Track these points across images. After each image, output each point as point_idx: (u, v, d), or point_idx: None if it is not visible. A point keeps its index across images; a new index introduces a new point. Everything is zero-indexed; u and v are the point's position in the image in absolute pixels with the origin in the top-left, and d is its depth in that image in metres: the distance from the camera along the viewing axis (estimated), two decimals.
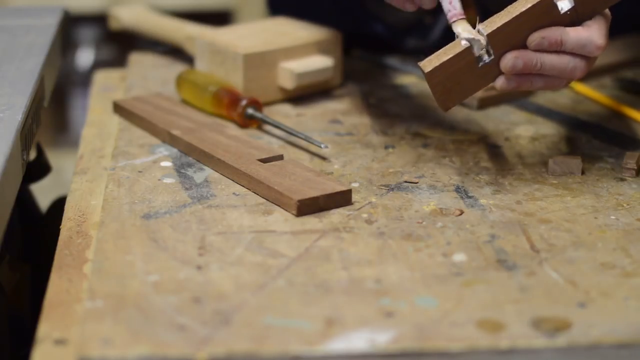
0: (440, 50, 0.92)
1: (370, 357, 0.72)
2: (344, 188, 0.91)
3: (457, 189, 0.95)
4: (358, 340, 0.73)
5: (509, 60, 0.92)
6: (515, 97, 1.16)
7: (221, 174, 0.97)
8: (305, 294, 0.78)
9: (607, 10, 0.94)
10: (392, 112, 1.13)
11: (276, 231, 0.87)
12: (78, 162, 1.02)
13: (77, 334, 0.74)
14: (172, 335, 0.73)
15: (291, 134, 1.03)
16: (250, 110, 1.07)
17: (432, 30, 1.27)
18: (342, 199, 0.91)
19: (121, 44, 2.38)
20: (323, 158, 1.01)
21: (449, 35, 1.26)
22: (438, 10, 1.25)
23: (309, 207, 0.89)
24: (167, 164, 0.99)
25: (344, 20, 1.26)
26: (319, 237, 0.86)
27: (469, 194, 0.94)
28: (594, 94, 1.16)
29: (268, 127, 1.08)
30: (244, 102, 1.07)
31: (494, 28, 0.91)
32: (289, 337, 0.73)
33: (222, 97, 1.09)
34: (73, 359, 0.72)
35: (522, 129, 1.09)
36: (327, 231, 0.87)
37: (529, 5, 0.90)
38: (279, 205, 0.91)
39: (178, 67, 1.24)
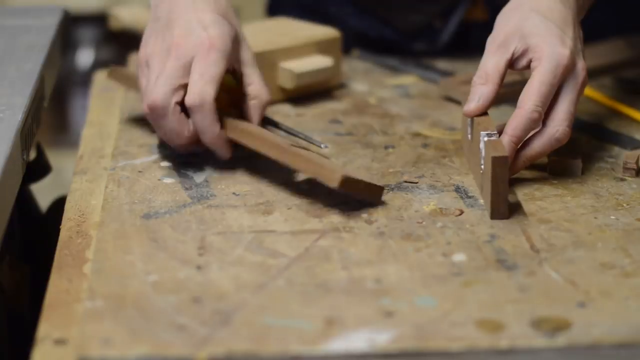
0: None
1: (370, 357, 0.72)
2: (381, 185, 0.92)
3: (457, 189, 0.95)
4: (358, 340, 0.73)
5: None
6: (515, 97, 1.16)
7: (253, 148, 0.95)
8: (305, 294, 0.78)
9: None
10: (392, 112, 1.13)
11: (276, 231, 0.87)
12: (78, 162, 1.02)
13: (77, 334, 0.74)
14: (172, 335, 0.73)
15: (291, 134, 1.03)
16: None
17: (441, 34, 1.26)
18: (377, 194, 0.91)
19: (121, 44, 2.38)
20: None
21: (458, 40, 1.26)
22: (448, 14, 1.25)
23: (349, 185, 0.88)
24: (167, 164, 0.99)
25: (353, 24, 1.27)
26: (319, 237, 0.86)
27: (469, 194, 0.94)
28: (594, 94, 1.16)
29: (268, 127, 1.08)
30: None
31: None
32: (289, 337, 0.73)
33: (221, 96, 1.09)
34: (73, 359, 0.72)
35: None
36: (327, 231, 0.87)
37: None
38: (317, 179, 0.90)
39: None
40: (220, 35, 0.97)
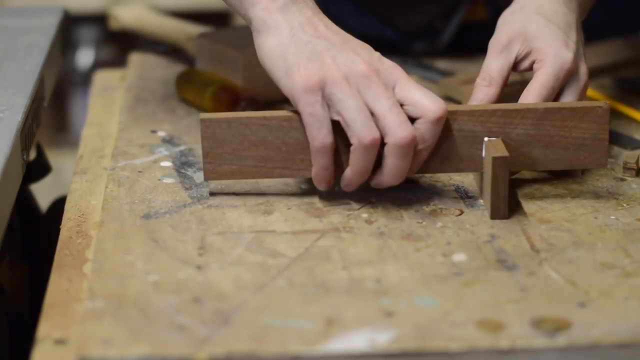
0: None
1: (370, 357, 0.72)
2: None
3: (457, 189, 0.95)
4: (358, 340, 0.73)
5: None
6: (513, 97, 1.16)
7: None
8: (305, 293, 0.78)
9: None
10: None
11: (276, 231, 0.87)
12: (78, 162, 1.02)
13: (77, 334, 0.74)
14: (172, 335, 0.73)
15: None
16: (250, 110, 1.07)
17: (441, 35, 1.26)
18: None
19: (121, 44, 2.38)
20: None
21: (458, 40, 1.26)
22: (448, 14, 1.25)
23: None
24: (167, 164, 0.99)
25: (354, 25, 1.27)
26: (319, 237, 0.86)
27: (469, 194, 0.94)
28: (594, 94, 1.16)
29: None
30: (243, 102, 1.07)
31: None
32: (289, 337, 0.73)
33: (221, 97, 1.09)
34: (73, 359, 0.72)
35: None
36: (327, 231, 0.87)
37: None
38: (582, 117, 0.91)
39: (178, 67, 1.24)
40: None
